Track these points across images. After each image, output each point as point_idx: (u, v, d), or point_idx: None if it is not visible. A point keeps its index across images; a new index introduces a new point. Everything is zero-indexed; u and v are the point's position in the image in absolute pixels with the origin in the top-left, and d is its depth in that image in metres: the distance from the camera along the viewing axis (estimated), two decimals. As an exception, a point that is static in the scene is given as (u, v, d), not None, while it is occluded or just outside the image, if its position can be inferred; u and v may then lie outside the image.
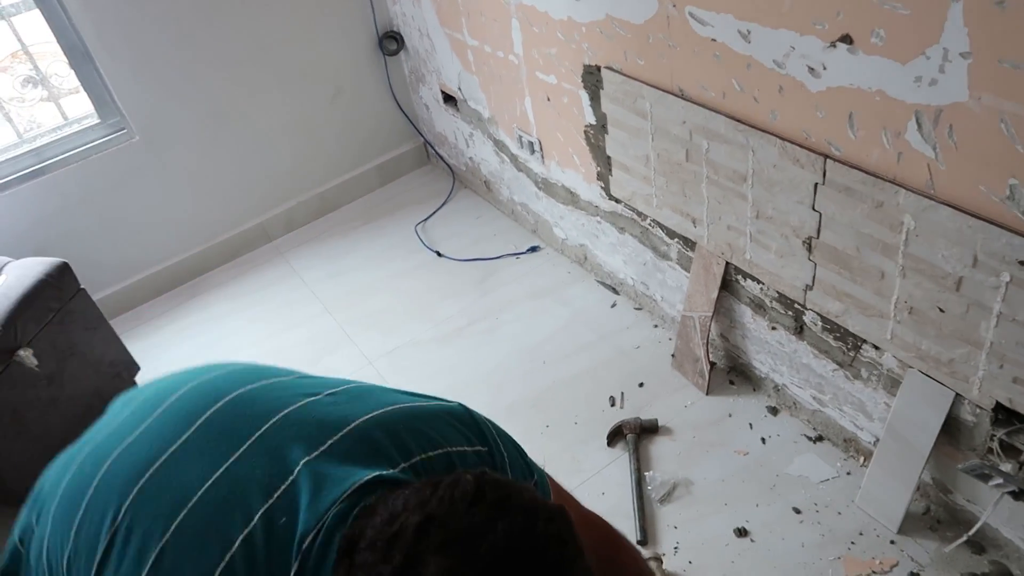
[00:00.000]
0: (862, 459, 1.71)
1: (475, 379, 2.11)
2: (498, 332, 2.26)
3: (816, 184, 1.42)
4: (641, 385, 2.00)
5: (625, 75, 1.75)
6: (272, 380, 0.92)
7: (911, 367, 1.45)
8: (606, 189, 2.06)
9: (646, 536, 1.64)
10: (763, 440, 1.80)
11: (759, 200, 1.57)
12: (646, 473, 1.76)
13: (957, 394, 1.39)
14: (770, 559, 1.56)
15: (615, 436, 1.85)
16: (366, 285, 2.57)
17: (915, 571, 1.49)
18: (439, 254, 2.61)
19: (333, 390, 0.92)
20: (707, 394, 1.93)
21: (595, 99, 1.90)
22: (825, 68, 1.30)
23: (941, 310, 1.32)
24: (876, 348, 1.53)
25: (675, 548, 1.61)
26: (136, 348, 2.35)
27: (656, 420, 1.87)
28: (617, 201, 2.05)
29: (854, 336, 1.56)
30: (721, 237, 1.73)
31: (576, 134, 2.05)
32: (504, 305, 2.35)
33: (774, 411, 1.87)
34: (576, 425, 1.91)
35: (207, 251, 2.77)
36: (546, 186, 2.37)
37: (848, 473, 1.70)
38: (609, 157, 1.96)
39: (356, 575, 0.71)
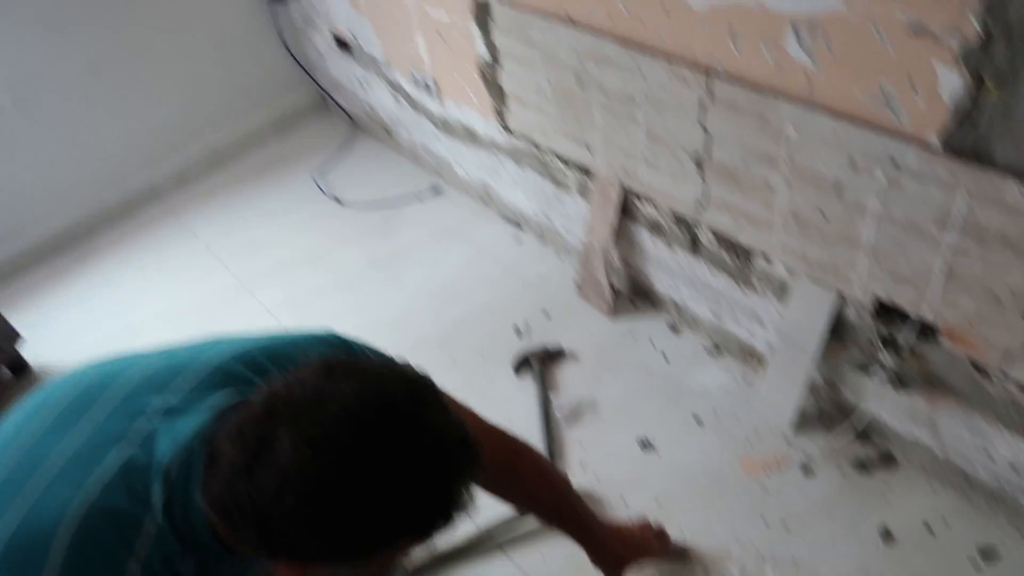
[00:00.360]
0: (759, 366, 1.80)
1: (380, 322, 2.10)
2: (403, 276, 2.25)
3: (703, 102, 1.46)
4: (547, 314, 2.04)
5: (513, 5, 1.74)
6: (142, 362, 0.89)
7: (799, 273, 1.54)
8: (503, 123, 2.06)
9: (554, 456, 1.69)
10: (665, 357, 1.87)
11: (650, 122, 1.60)
12: (553, 397, 1.80)
13: (841, 295, 1.48)
14: (673, 467, 1.63)
15: (521, 365, 1.88)
16: (264, 239, 2.50)
17: (807, 464, 1.60)
18: (339, 202, 2.56)
19: (192, 345, 0.91)
20: (611, 318, 1.99)
21: (486, 33, 1.88)
22: (706, -17, 1.33)
23: (824, 216, 1.40)
24: (766, 258, 1.60)
25: (582, 465, 1.66)
26: (24, 318, 2.23)
27: (561, 346, 1.91)
28: (514, 134, 2.06)
29: (746, 249, 1.63)
30: (616, 162, 1.76)
31: (470, 70, 2.04)
32: (408, 248, 2.34)
33: (675, 329, 1.94)
34: (483, 358, 1.94)
35: (94, 213, 2.63)
36: (445, 126, 2.35)
37: (746, 381, 1.79)
38: (504, 91, 1.95)
39: (218, 475, 0.70)
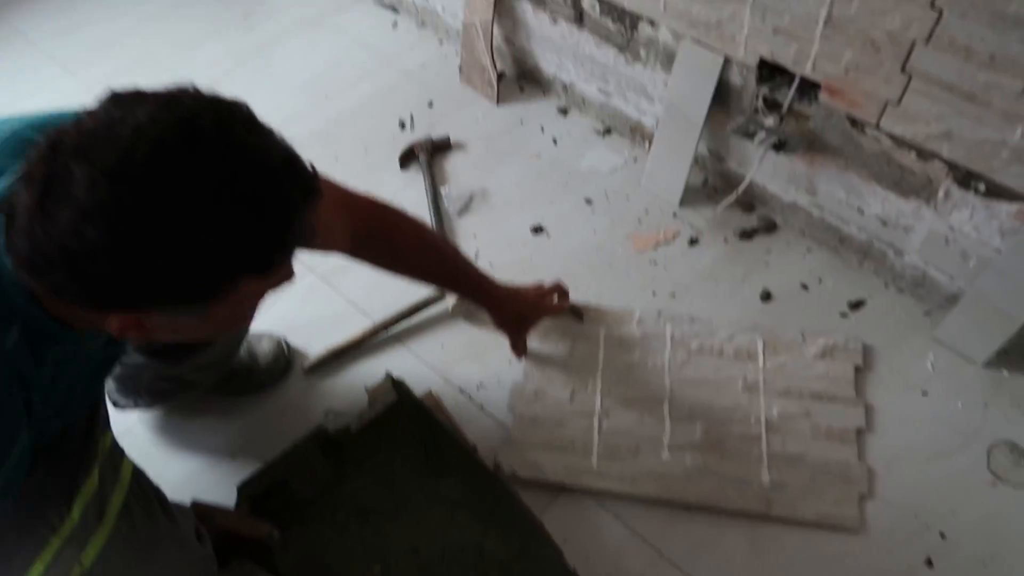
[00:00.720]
0: (647, 144, 1.75)
1: (253, 122, 1.93)
2: (271, 70, 2.05)
3: None
4: (430, 104, 1.91)
5: None
6: None
7: (685, 38, 1.45)
8: None
9: (449, 248, 1.65)
10: (554, 141, 1.80)
11: None
12: (442, 189, 1.73)
13: (726, 57, 1.41)
14: (565, 249, 1.61)
15: (407, 158, 1.78)
16: (110, 36, 2.21)
17: (694, 236, 1.60)
18: (189, -12, 2.27)
19: None
20: (497, 104, 1.88)
21: None
22: None
23: (708, -33, 1.29)
24: (652, 24, 1.50)
25: (476, 254, 1.62)
26: None
27: (448, 136, 1.81)
28: None
29: (631, 14, 1.52)
30: (491, -79, 1.58)
31: None
32: (275, 40, 2.12)
33: (564, 112, 1.86)
34: (366, 153, 1.82)
35: None
36: None
37: (635, 160, 1.75)
38: None
39: (17, 229, 0.63)
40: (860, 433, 1.29)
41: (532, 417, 1.33)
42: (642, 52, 1.57)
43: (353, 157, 1.82)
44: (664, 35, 1.50)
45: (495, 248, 1.63)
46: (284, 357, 1.44)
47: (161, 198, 0.60)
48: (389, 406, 1.32)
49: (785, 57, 1.31)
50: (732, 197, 1.55)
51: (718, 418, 1.31)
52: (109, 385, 1.27)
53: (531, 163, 1.77)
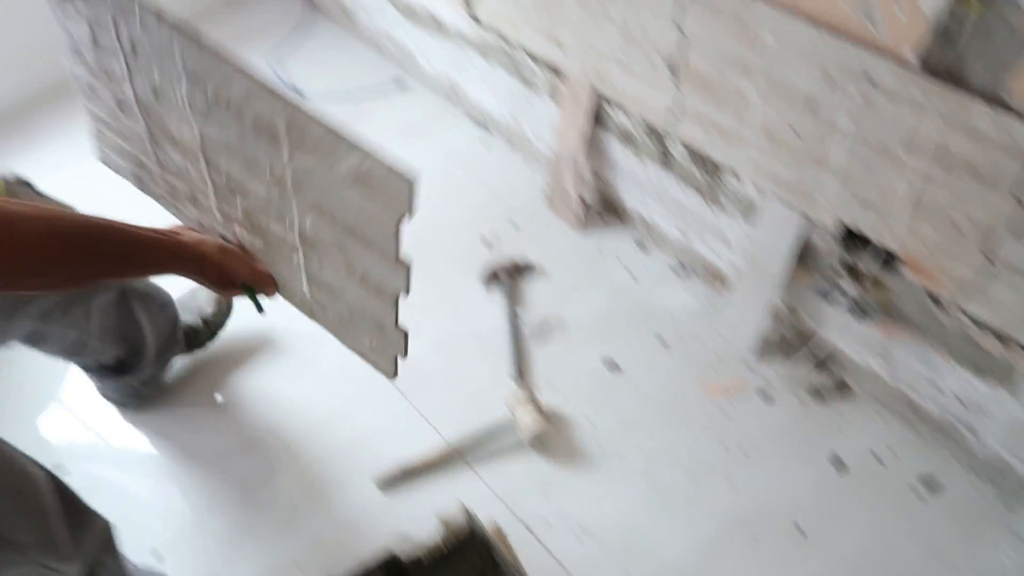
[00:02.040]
0: (723, 288, 1.76)
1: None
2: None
3: (680, 0, 1.35)
4: (514, 225, 1.96)
5: None
6: None
7: (768, 194, 1.46)
8: (470, 11, 1.91)
9: (521, 373, 1.66)
10: (632, 275, 1.82)
11: (626, 20, 1.48)
12: (521, 313, 1.76)
13: (808, 219, 1.42)
14: (637, 388, 1.61)
15: (490, 278, 1.82)
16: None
17: (766, 390, 1.58)
18: (299, 93, 2.41)
19: None
20: (580, 232, 1.91)
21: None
22: None
23: (796, 133, 1.31)
24: (736, 176, 1.52)
25: (550, 384, 1.63)
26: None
27: (529, 260, 1.85)
28: (482, 25, 1.91)
29: (716, 164, 1.55)
30: (589, 63, 1.64)
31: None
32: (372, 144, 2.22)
33: (642, 246, 1.88)
34: (450, 267, 1.87)
35: (31, 93, 2.45)
36: (408, 11, 2.18)
37: (710, 303, 1.75)
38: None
39: None
40: None
41: None
42: (724, 201, 1.59)
43: (436, 270, 1.87)
44: (748, 188, 1.51)
45: (569, 380, 1.64)
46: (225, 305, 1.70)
47: None
48: (461, 540, 1.32)
49: (866, 225, 1.30)
50: (806, 354, 1.53)
51: None
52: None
53: (609, 295, 1.78)
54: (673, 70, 1.44)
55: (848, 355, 1.55)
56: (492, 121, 2.17)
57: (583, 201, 1.89)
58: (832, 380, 1.58)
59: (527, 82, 1.91)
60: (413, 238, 1.92)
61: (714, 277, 1.76)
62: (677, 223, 1.76)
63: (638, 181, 1.78)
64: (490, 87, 2.06)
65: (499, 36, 1.88)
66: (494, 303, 1.79)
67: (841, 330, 1.50)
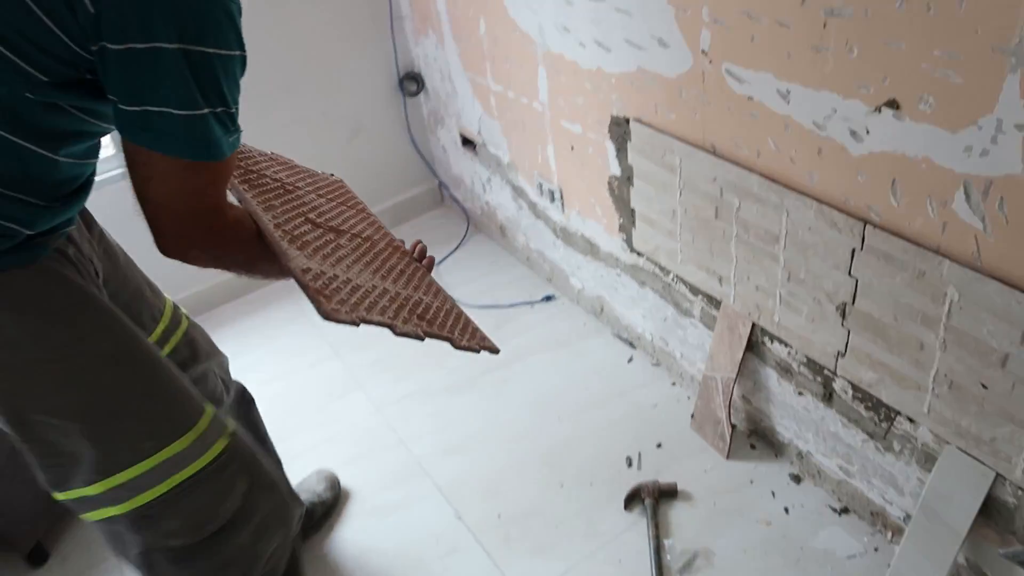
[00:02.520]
0: (890, 534, 1.63)
1: (488, 432, 2.04)
2: (512, 383, 2.20)
3: (854, 249, 1.38)
4: (659, 446, 1.93)
5: (655, 128, 1.72)
6: None
7: (948, 443, 1.39)
8: (628, 242, 2.02)
9: (664, 609, 1.57)
10: (786, 510, 1.73)
11: (791, 262, 1.52)
12: (665, 541, 1.69)
13: (998, 474, 1.33)
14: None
15: (632, 499, 1.78)
16: (376, 329, 2.51)
17: (950, 660, 1.41)
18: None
19: None
20: (727, 458, 1.86)
21: (621, 151, 1.87)
22: (868, 132, 1.26)
23: (984, 386, 1.27)
24: (911, 421, 1.46)
25: (694, 623, 1.53)
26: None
27: (675, 484, 1.80)
28: (639, 254, 2.01)
29: (887, 407, 1.50)
30: (749, 297, 1.68)
31: (599, 184, 2.02)
32: (518, 355, 2.29)
33: (797, 479, 1.80)
34: (592, 486, 1.84)
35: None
36: (565, 235, 2.33)
37: (875, 549, 1.62)
38: (633, 209, 1.92)
39: None
40: None
41: None
42: (895, 444, 1.52)
43: (578, 486, 1.85)
44: (924, 434, 1.45)
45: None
46: (337, 486, 1.90)
47: None
48: None
49: (1076, 493, 1.21)
50: (1001, 628, 1.37)
51: None
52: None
53: (760, 529, 1.69)
54: (842, 312, 1.45)
55: (1047, 631, 1.37)
56: (638, 339, 2.22)
57: (732, 427, 1.85)
58: (1029, 659, 1.39)
59: (680, 308, 1.96)
60: (553, 451, 1.95)
61: (880, 521, 1.65)
62: (839, 460, 1.68)
63: (795, 413, 1.74)
64: (640, 309, 2.13)
65: (656, 266, 1.97)
66: (636, 527, 1.73)
67: (1037, 601, 1.35)
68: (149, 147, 0.92)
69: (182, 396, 1.20)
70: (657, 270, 1.98)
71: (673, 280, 1.94)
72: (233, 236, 1.06)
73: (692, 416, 1.96)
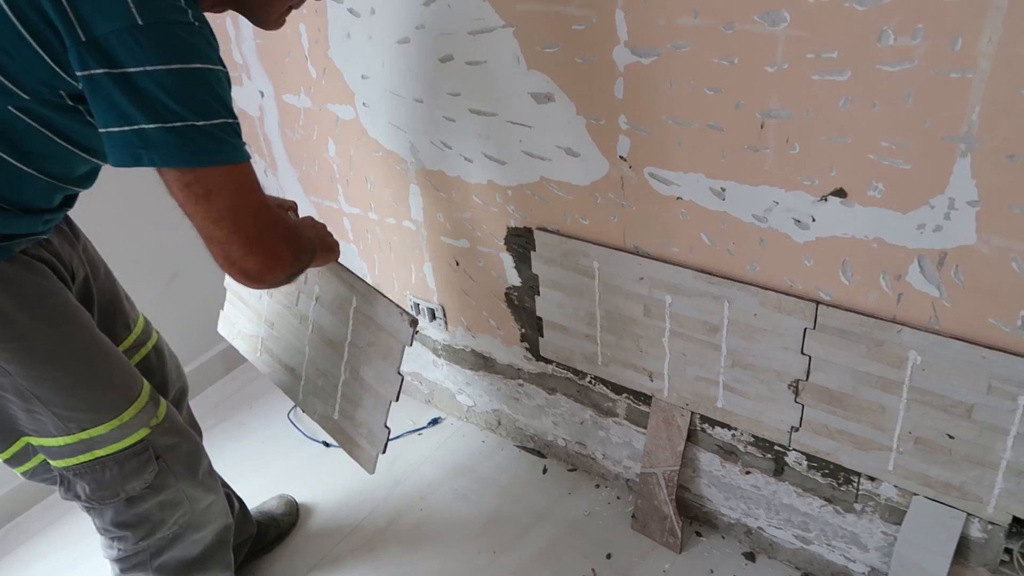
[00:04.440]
0: (855, 591, 1.69)
1: (419, 588, 1.82)
2: (426, 528, 1.99)
3: (806, 329, 1.43)
4: (609, 556, 1.84)
5: (564, 235, 1.69)
6: None
7: (916, 494, 1.47)
8: (533, 351, 1.95)
9: None
10: (755, 592, 1.73)
11: (736, 349, 1.55)
12: (661, 661, 1.59)
13: (968, 514, 1.43)
14: None
15: (611, 624, 1.67)
16: (251, 494, 2.16)
17: None
18: (326, 444, 2.29)
19: None
20: (679, 553, 1.83)
21: (522, 261, 1.81)
22: (814, 220, 1.33)
23: (951, 436, 1.36)
24: (871, 480, 1.54)
25: None
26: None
27: (644, 595, 1.72)
28: (548, 362, 1.95)
29: (847, 471, 1.56)
30: (686, 388, 1.68)
31: (494, 298, 1.94)
32: (423, 493, 2.09)
33: (751, 556, 1.81)
34: (561, 623, 1.70)
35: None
36: (449, 352, 2.20)
37: (848, 609, 1.67)
38: (540, 319, 1.86)
39: None
40: None
41: None
42: (857, 505, 1.58)
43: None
44: (887, 490, 1.52)
45: None
46: (295, 509, 2.05)
47: None
48: None
49: (1049, 516, 1.32)
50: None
51: None
52: None
53: (739, 620, 1.67)
54: (795, 389, 1.50)
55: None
56: (548, 446, 2.13)
57: (679, 520, 1.83)
58: None
59: (600, 408, 1.92)
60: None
61: (845, 582, 1.70)
62: (794, 530, 1.72)
63: (741, 492, 1.76)
64: (550, 416, 2.06)
65: (570, 371, 1.92)
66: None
67: (1018, 623, 1.45)
68: (198, 164, 1.05)
69: (110, 388, 1.35)
70: (570, 375, 1.92)
71: (591, 382, 1.89)
72: (290, 223, 1.21)
73: (633, 516, 1.91)
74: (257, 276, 1.12)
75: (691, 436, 1.76)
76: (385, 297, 1.55)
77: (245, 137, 2.33)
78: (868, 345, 1.37)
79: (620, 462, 1.97)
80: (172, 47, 0.99)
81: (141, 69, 0.97)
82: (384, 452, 1.55)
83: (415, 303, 2.15)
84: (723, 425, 1.70)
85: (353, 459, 1.62)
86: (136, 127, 1.00)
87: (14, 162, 1.12)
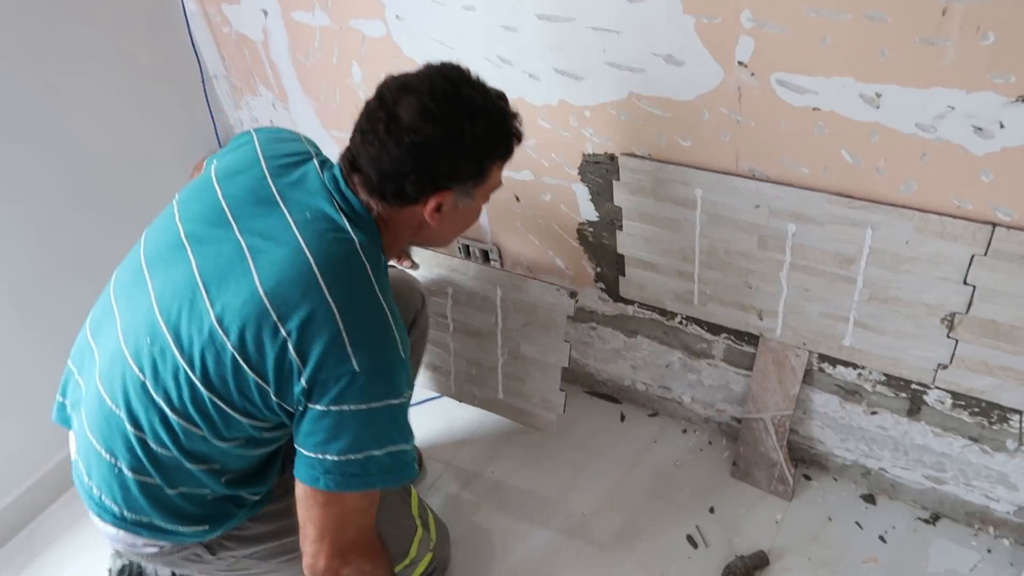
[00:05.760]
0: (991, 529, 1.55)
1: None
2: (502, 493, 1.81)
3: (973, 256, 1.21)
4: (712, 510, 1.68)
5: (658, 160, 1.44)
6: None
7: (1090, 432, 1.30)
8: (610, 291, 1.73)
9: None
10: (882, 539, 1.57)
11: (876, 282, 1.33)
12: (798, 628, 1.45)
13: None
14: None
15: (731, 588, 1.51)
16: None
17: None
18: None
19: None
20: (791, 501, 1.67)
21: (601, 192, 1.56)
22: (1002, 127, 1.09)
23: None
24: (1029, 416, 1.36)
25: None
26: None
27: (763, 552, 1.56)
28: (628, 303, 1.72)
29: (1003, 409, 1.38)
30: (805, 327, 1.47)
31: (563, 235, 1.69)
32: (490, 458, 1.90)
33: (870, 499, 1.65)
34: (672, 585, 1.55)
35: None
36: (503, 297, 1.97)
37: (989, 551, 1.52)
38: (621, 256, 1.62)
39: (365, 153, 1.09)
40: None
41: None
42: (1009, 443, 1.41)
43: (659, 595, 1.54)
44: (1050, 427, 1.35)
45: None
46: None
47: (462, 107, 1.07)
48: None
49: None
50: None
51: None
52: None
53: (870, 569, 1.52)
54: (948, 323, 1.30)
55: None
56: (624, 391, 1.94)
57: (790, 466, 1.66)
58: None
59: (692, 351, 1.72)
60: (607, 563, 1.62)
61: (977, 520, 1.55)
62: (924, 470, 1.56)
63: (864, 433, 1.59)
64: (628, 360, 1.86)
65: (655, 311, 1.70)
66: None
67: None
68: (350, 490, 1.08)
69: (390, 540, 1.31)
70: (656, 315, 1.71)
71: (681, 322, 1.68)
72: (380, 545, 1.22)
73: (735, 464, 1.73)
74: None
75: (806, 377, 1.57)
76: (535, 279, 1.57)
77: (247, 66, 1.99)
78: (1054, 270, 1.16)
79: (712, 405, 1.78)
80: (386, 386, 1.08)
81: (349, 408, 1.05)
82: (564, 412, 1.65)
83: (464, 244, 1.90)
84: (848, 364, 1.50)
85: (528, 427, 1.73)
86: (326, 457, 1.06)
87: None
